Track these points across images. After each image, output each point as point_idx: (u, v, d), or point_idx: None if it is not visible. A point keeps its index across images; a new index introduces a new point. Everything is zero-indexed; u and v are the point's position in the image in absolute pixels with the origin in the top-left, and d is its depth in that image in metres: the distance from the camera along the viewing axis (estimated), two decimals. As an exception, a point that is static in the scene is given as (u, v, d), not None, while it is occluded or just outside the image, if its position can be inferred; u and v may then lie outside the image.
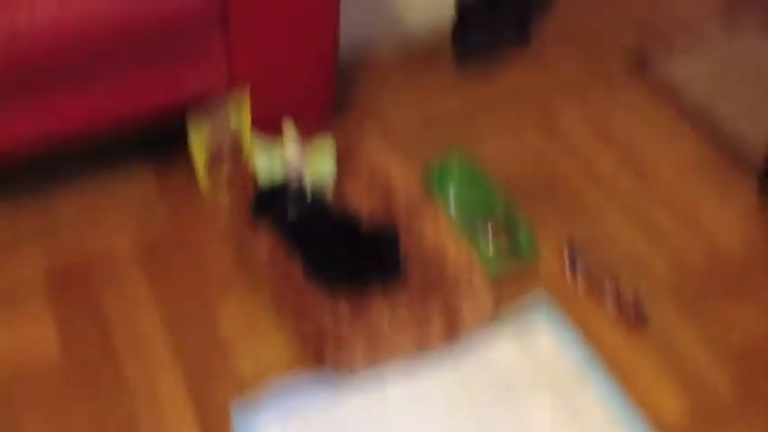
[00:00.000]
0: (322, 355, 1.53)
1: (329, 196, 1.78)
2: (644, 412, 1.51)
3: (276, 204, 1.69)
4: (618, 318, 1.65)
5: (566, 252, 1.74)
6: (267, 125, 1.82)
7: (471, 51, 2.04)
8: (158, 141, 1.92)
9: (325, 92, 1.91)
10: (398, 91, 2.11)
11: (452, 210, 1.79)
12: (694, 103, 2.09)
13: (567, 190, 1.90)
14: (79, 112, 1.66)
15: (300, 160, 1.79)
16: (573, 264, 1.72)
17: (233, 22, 1.67)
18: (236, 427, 1.47)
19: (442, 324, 1.56)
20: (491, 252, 1.73)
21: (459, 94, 2.11)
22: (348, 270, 1.64)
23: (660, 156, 1.99)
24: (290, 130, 1.82)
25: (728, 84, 2.15)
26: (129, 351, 1.58)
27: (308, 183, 1.75)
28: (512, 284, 1.69)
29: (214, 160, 1.82)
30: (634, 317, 1.64)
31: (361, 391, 1.52)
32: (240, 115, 1.80)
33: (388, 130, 1.98)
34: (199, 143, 1.79)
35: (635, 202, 1.88)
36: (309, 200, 1.72)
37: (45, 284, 1.66)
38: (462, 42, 2.03)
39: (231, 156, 1.82)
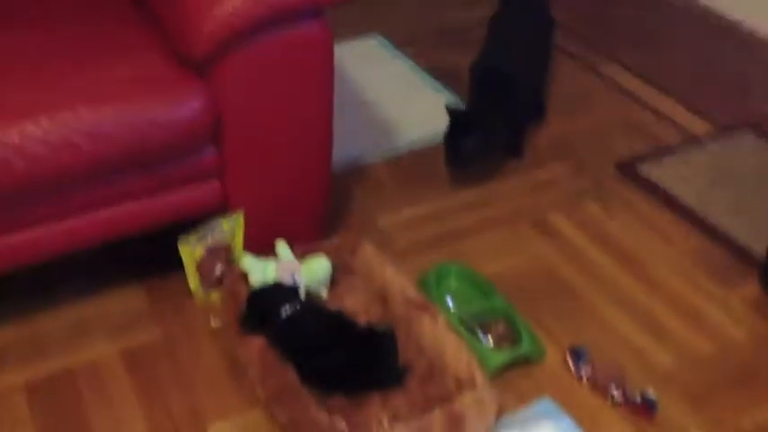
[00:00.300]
0: (320, 464, 1.47)
1: (324, 301, 1.76)
2: None
3: (268, 304, 1.65)
4: (626, 413, 1.59)
5: (569, 353, 1.69)
6: (261, 243, 1.82)
7: (464, 157, 2.06)
8: (149, 259, 1.92)
9: (319, 210, 1.92)
10: (392, 202, 2.12)
11: (451, 313, 1.76)
12: (688, 204, 2.09)
13: (567, 293, 1.88)
14: (72, 232, 1.66)
15: (294, 267, 1.78)
16: (577, 364, 1.67)
17: (226, 146, 1.70)
18: None
19: (444, 428, 1.50)
20: (491, 346, 1.69)
21: (454, 204, 2.13)
22: (344, 374, 1.58)
23: (659, 255, 1.97)
24: (283, 246, 1.82)
25: (722, 184, 2.16)
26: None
27: (302, 285, 1.74)
28: (515, 386, 1.65)
29: (206, 273, 1.81)
30: (643, 412, 1.58)
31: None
32: (234, 234, 1.81)
33: (382, 241, 1.98)
34: (189, 257, 1.78)
35: (637, 301, 1.85)
36: (303, 299, 1.69)
37: (27, 393, 1.62)
38: (455, 148, 2.05)
39: (224, 268, 1.81)
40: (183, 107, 1.57)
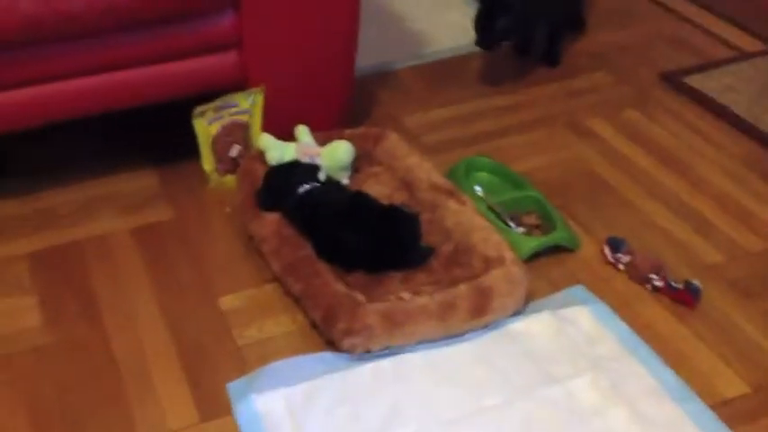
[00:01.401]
0: (333, 335, 1.36)
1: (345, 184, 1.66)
2: (700, 388, 1.31)
3: (286, 181, 1.55)
4: (667, 301, 1.47)
5: (606, 243, 1.57)
6: (280, 128, 1.71)
7: (492, 36, 1.95)
8: (164, 142, 1.83)
9: (343, 96, 1.81)
10: (420, 105, 2.01)
11: (480, 201, 1.65)
12: (738, 113, 1.96)
13: (604, 189, 1.75)
14: (90, 92, 1.58)
15: (315, 150, 1.68)
16: (615, 253, 1.55)
17: (246, 10, 1.59)
18: (234, 399, 1.30)
19: (470, 303, 1.38)
20: (522, 233, 1.58)
21: (486, 105, 2.01)
22: (365, 250, 1.48)
23: (706, 158, 1.84)
24: (304, 131, 1.72)
25: (773, 94, 2.03)
26: (117, 327, 1.43)
27: (323, 168, 1.63)
28: (548, 274, 1.53)
29: (221, 153, 1.71)
30: (685, 299, 1.46)
31: (375, 361, 1.34)
32: (252, 112, 1.71)
33: (408, 140, 1.87)
34: (204, 133, 1.68)
35: (681, 199, 1.72)
36: (323, 179, 1.59)
37: (29, 261, 1.55)
38: (483, 26, 1.95)
39: (240, 149, 1.71)
40: (201, -40, 1.49)
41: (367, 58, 2.17)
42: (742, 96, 2.02)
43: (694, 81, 2.08)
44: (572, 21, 2.29)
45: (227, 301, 1.49)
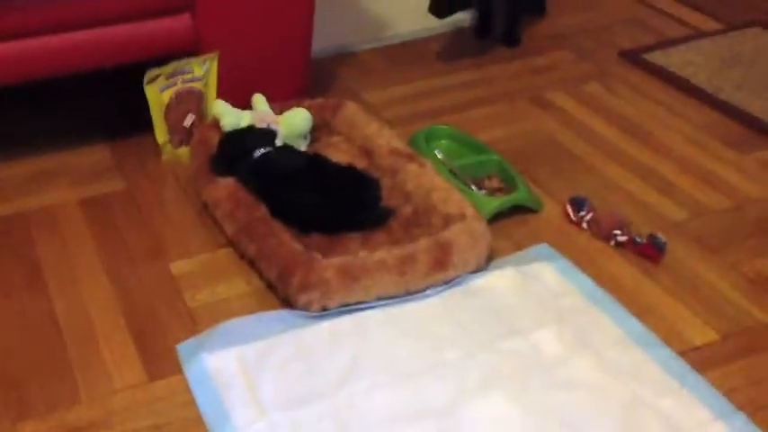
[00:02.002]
0: (289, 291, 1.31)
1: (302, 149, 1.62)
2: (667, 337, 1.28)
3: (241, 145, 1.51)
4: (631, 256, 1.44)
5: (569, 201, 1.54)
6: (236, 97, 1.67)
7: (450, 3, 1.93)
8: (115, 115, 1.79)
9: (301, 67, 1.77)
10: (380, 83, 1.98)
11: (441, 165, 1.61)
12: (698, 84, 1.95)
13: (567, 155, 1.73)
14: (36, 55, 1.52)
15: (272, 117, 1.64)
16: (578, 211, 1.52)
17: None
18: (184, 359, 1.24)
19: (430, 257, 1.34)
20: (484, 194, 1.55)
21: (447, 82, 1.98)
22: (323, 210, 1.43)
23: (666, 125, 1.82)
24: (261, 99, 1.69)
25: (731, 66, 2.02)
26: (62, 294, 1.37)
27: (280, 134, 1.59)
28: (511, 233, 1.50)
29: (174, 122, 1.66)
30: (650, 252, 1.42)
31: (332, 318, 1.29)
32: (206, 80, 1.67)
33: (370, 111, 1.83)
34: (156, 101, 1.63)
35: (643, 164, 1.70)
36: (279, 143, 1.54)
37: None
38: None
39: (194, 118, 1.66)
40: None
41: (327, 40, 2.14)
42: (702, 70, 2.02)
43: (654, 57, 2.08)
44: (532, 5, 2.28)
45: (179, 266, 1.43)
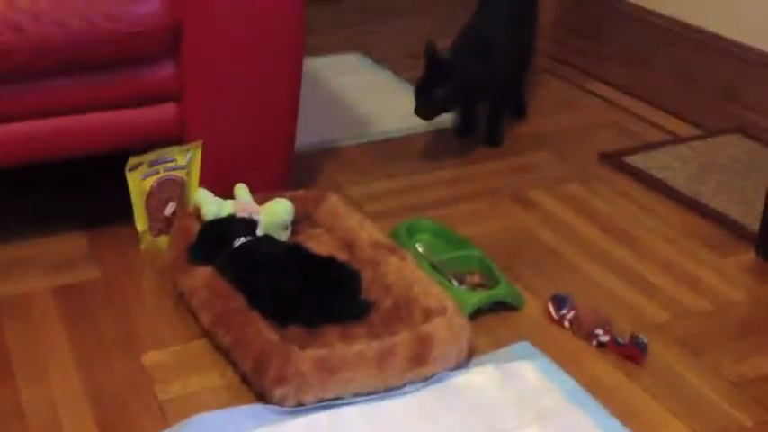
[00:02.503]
0: (264, 384, 1.27)
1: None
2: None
3: (221, 235, 1.49)
4: (613, 357, 1.41)
5: (551, 299, 1.53)
6: (218, 187, 1.67)
7: (429, 104, 1.97)
8: (95, 203, 1.78)
9: (284, 158, 1.78)
10: (363, 177, 1.99)
11: (422, 259, 1.60)
12: (677, 187, 1.98)
13: (549, 253, 1.73)
14: (19, 140, 1.52)
15: (253, 208, 1.63)
16: (559, 309, 1.50)
17: (185, 62, 1.58)
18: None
19: (410, 351, 1.30)
20: (465, 289, 1.53)
21: (429, 179, 2.00)
22: (301, 302, 1.41)
23: (647, 227, 1.83)
24: (243, 189, 1.68)
25: (709, 171, 2.05)
26: (28, 383, 1.33)
27: (261, 224, 1.58)
28: (492, 331, 1.47)
29: (155, 210, 1.65)
30: (632, 354, 1.40)
31: (309, 414, 1.24)
32: (189, 169, 1.67)
33: (352, 201, 1.84)
34: (138, 189, 1.63)
35: (625, 264, 1.70)
36: (260, 233, 1.53)
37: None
38: (423, 94, 1.96)
39: (175, 207, 1.65)
40: (139, 4, 1.47)
41: (311, 135, 2.17)
42: (680, 174, 2.05)
43: (634, 160, 2.11)
44: (513, 107, 2.33)
45: (151, 357, 1.39)
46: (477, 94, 2.09)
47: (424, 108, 2.00)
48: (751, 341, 1.50)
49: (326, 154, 2.10)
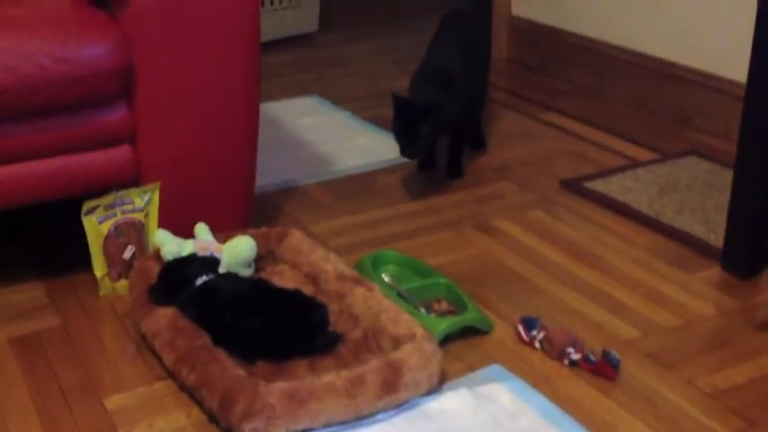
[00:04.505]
0: (231, 420, 1.23)
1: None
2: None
3: (183, 274, 1.46)
4: (586, 375, 1.40)
5: (520, 321, 1.51)
6: (177, 228, 1.64)
7: (421, 142, 1.97)
8: (49, 247, 1.75)
9: (244, 197, 1.76)
10: (326, 214, 1.98)
11: (389, 289, 1.58)
12: (639, 209, 1.98)
13: (516, 278, 1.72)
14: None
15: (215, 246, 1.61)
16: (529, 331, 1.49)
17: (138, 104, 1.56)
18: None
19: (380, 379, 1.28)
20: (434, 317, 1.51)
21: (392, 212, 1.99)
22: (267, 337, 1.38)
23: (612, 248, 1.83)
24: (204, 228, 1.66)
25: (670, 192, 2.06)
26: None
27: (223, 262, 1.55)
28: (462, 356, 1.46)
29: (113, 254, 1.61)
30: (605, 371, 1.39)
31: (280, 447, 1.20)
32: (149, 210, 1.64)
33: (315, 237, 1.82)
34: (95, 233, 1.59)
35: (592, 285, 1.69)
36: (222, 270, 1.50)
37: None
38: (409, 134, 1.96)
39: (134, 250, 1.62)
40: (89, 46, 1.46)
41: (272, 177, 2.16)
42: (642, 196, 2.06)
43: (594, 185, 2.12)
44: (472, 139, 2.34)
45: (114, 401, 1.35)
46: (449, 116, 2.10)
47: (413, 148, 2.01)
48: (722, 353, 1.49)
49: (287, 193, 2.09)
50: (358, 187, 2.14)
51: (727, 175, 2.11)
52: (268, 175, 2.13)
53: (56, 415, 1.33)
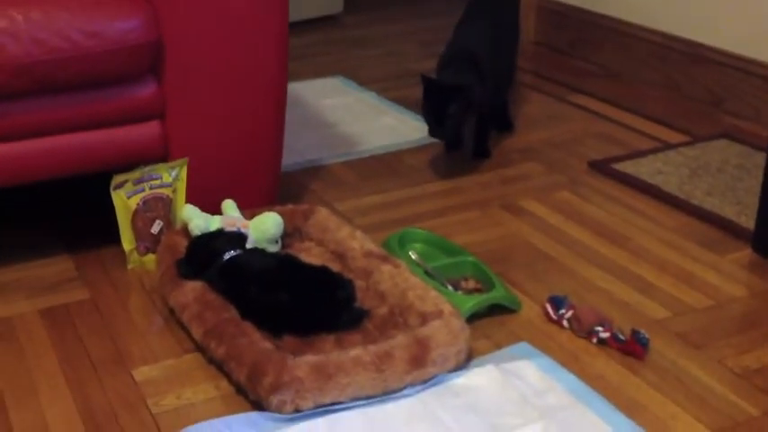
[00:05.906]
0: (260, 392, 1.23)
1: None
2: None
3: (211, 249, 1.47)
4: (614, 353, 1.39)
5: (548, 300, 1.50)
6: (205, 204, 1.65)
7: (451, 123, 1.96)
8: (79, 226, 1.75)
9: (270, 174, 1.76)
10: (352, 193, 1.97)
11: (416, 267, 1.57)
12: (669, 191, 1.97)
13: (544, 258, 1.71)
14: (7, 161, 1.50)
15: (242, 223, 1.61)
16: (557, 310, 1.48)
17: (167, 80, 1.57)
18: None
19: (408, 354, 1.28)
20: (461, 294, 1.51)
21: (419, 192, 1.98)
22: (294, 312, 1.38)
23: (641, 229, 1.81)
24: (231, 205, 1.66)
25: (700, 174, 2.04)
26: (18, 404, 1.29)
27: (251, 238, 1.55)
28: (490, 334, 1.45)
29: (141, 229, 1.62)
30: (633, 350, 1.38)
31: (307, 420, 1.21)
32: (175, 186, 1.65)
33: (341, 215, 1.81)
34: (123, 207, 1.60)
35: (621, 266, 1.67)
36: (250, 245, 1.50)
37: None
38: (439, 114, 1.95)
39: (162, 225, 1.63)
40: (119, 20, 1.46)
41: (297, 156, 2.16)
42: (672, 178, 2.04)
43: (623, 167, 2.10)
44: (500, 121, 2.33)
45: (143, 372, 1.36)
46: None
47: (441, 128, 2.00)
48: (753, 334, 1.48)
49: (312, 172, 2.09)
50: (384, 167, 2.13)
51: (758, 158, 2.09)
52: (293, 154, 2.12)
53: (85, 384, 1.34)
